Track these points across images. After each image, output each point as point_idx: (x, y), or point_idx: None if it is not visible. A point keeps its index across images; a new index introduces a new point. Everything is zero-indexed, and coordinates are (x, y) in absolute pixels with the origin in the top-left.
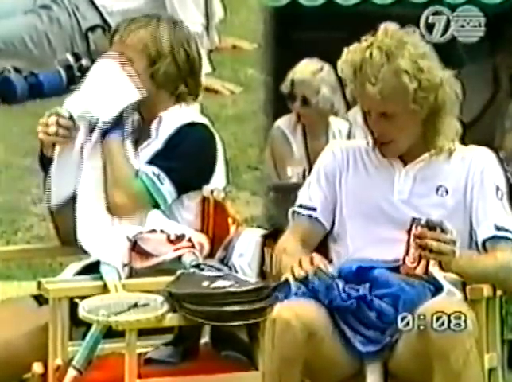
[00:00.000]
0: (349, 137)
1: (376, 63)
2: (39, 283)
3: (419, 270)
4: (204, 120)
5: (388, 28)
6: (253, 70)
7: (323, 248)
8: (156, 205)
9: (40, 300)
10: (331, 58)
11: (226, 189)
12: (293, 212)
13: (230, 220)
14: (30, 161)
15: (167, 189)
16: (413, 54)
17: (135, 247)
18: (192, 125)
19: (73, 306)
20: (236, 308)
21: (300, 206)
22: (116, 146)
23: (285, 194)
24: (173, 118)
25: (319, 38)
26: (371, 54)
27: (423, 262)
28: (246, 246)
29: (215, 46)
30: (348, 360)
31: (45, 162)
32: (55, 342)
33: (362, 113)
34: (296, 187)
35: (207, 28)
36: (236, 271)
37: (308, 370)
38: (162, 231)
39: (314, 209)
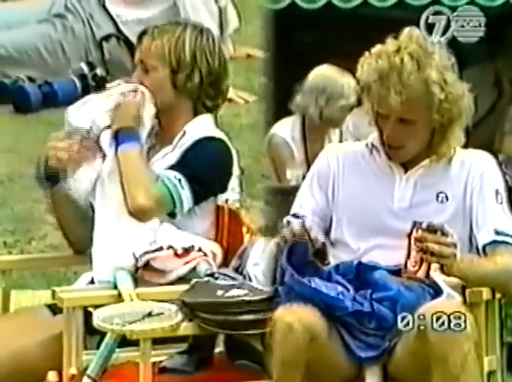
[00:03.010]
0: (340, 142)
1: (407, 70)
2: (53, 292)
3: (420, 274)
4: (221, 134)
5: (412, 33)
6: (267, 79)
7: (321, 252)
8: (172, 212)
9: (55, 309)
10: (330, 60)
11: (240, 198)
12: (287, 220)
13: (244, 229)
14: None
15: (186, 194)
16: (440, 65)
17: (148, 265)
18: (210, 139)
19: (87, 315)
20: (250, 317)
21: (293, 215)
22: (136, 154)
23: (285, 197)
24: (195, 132)
25: (318, 40)
26: (402, 60)
27: (424, 265)
28: (260, 255)
29: (230, 55)
30: (348, 364)
31: (51, 176)
32: (69, 351)
33: (374, 114)
34: (296, 190)
35: (221, 37)
36: (250, 280)
37: (308, 372)
38: (169, 247)
39: (304, 218)
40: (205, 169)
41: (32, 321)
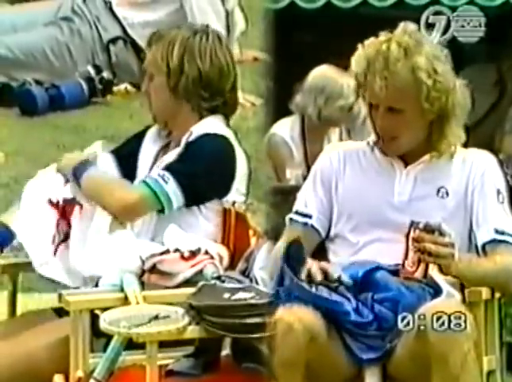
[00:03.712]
0: (340, 140)
1: (393, 56)
2: (60, 295)
3: (418, 274)
4: (227, 133)
5: (407, 27)
6: (267, 79)
7: (321, 249)
8: (162, 208)
9: (61, 312)
10: (330, 60)
11: (247, 201)
12: (289, 218)
13: (251, 232)
14: None
15: (172, 188)
16: (430, 54)
17: (154, 268)
18: (210, 136)
19: (94, 318)
20: (257, 320)
21: (296, 212)
22: (95, 174)
23: (284, 197)
24: (200, 130)
25: (318, 40)
26: (388, 47)
27: (422, 265)
28: (266, 258)
29: (236, 58)
30: (348, 364)
31: None
32: (76, 354)
33: (368, 107)
34: (296, 189)
35: (228, 39)
36: (257, 283)
37: (308, 372)
38: (176, 250)
39: (309, 216)
40: (200, 165)
41: (39, 324)
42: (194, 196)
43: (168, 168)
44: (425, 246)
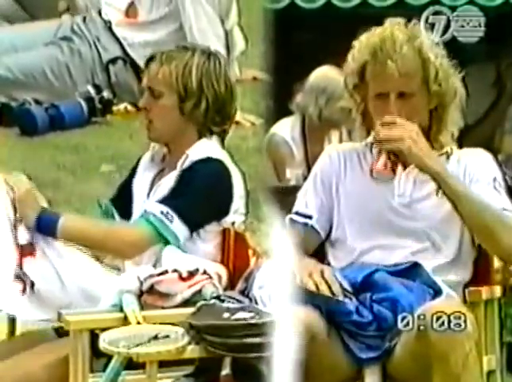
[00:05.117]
0: (340, 141)
1: (399, 39)
2: (59, 315)
3: (379, 165)
4: (221, 155)
5: (393, 20)
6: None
7: (320, 252)
8: (167, 243)
9: (60, 332)
10: (330, 60)
11: (246, 220)
12: (290, 219)
13: (250, 252)
14: (51, 193)
15: (177, 226)
16: (429, 38)
17: (152, 289)
18: (205, 161)
19: (94, 337)
20: (257, 340)
21: (297, 213)
22: (74, 221)
23: (284, 196)
24: (196, 154)
25: (318, 40)
26: (392, 32)
27: (382, 156)
28: (266, 278)
29: (236, 78)
30: (347, 364)
31: None
32: (75, 374)
33: (372, 100)
34: (296, 189)
35: (227, 59)
36: (257, 303)
37: (307, 372)
38: (174, 271)
39: (310, 217)
40: (199, 195)
41: (38, 344)
42: (196, 225)
43: (168, 203)
44: (379, 134)
